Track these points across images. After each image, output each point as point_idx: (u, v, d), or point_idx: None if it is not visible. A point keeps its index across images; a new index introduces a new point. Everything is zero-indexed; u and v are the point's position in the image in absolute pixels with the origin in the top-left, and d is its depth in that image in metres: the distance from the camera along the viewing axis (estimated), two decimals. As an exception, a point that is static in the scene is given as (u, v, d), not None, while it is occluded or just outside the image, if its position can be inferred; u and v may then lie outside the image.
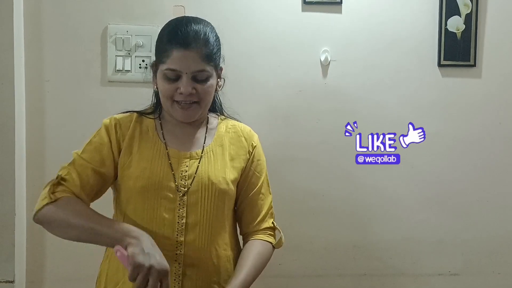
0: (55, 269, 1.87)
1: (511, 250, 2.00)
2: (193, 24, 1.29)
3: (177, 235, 1.28)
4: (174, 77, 1.28)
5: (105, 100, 1.83)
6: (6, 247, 1.77)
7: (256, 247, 1.36)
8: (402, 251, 1.97)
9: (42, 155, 1.84)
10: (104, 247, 1.35)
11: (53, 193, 1.23)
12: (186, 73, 1.27)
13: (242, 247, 1.41)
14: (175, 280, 1.28)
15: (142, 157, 1.31)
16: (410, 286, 1.98)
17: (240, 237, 1.45)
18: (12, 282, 1.78)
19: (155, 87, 1.36)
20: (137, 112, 1.39)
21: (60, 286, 1.88)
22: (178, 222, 1.28)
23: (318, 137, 1.93)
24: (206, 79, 1.30)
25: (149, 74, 1.40)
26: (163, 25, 1.36)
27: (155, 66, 1.34)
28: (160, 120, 1.38)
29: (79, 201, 1.25)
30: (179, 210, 1.29)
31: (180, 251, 1.28)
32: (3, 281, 1.77)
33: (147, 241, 1.15)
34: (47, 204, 1.22)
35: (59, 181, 1.26)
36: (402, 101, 1.94)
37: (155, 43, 1.36)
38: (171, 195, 1.29)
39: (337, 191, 1.94)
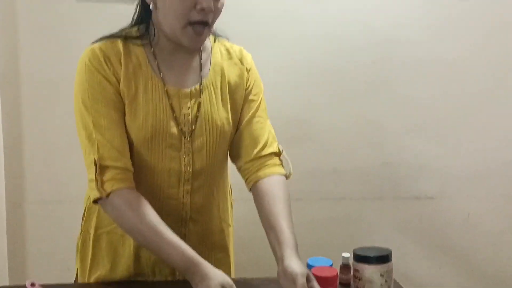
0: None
1: (487, 176, 2.03)
2: None
3: (184, 183, 1.18)
4: None
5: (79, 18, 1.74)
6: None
7: (280, 192, 1.17)
8: (382, 175, 2.00)
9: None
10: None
11: (102, 186, 1.08)
12: None
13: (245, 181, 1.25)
14: (181, 225, 1.20)
15: (140, 101, 1.12)
16: (388, 209, 2.02)
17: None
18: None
19: (151, 4, 1.11)
20: (119, 37, 1.14)
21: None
22: (184, 171, 1.17)
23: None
24: None
25: None
26: None
27: None
28: (151, 47, 1.16)
29: (134, 199, 1.09)
30: (184, 157, 1.16)
31: (187, 199, 1.19)
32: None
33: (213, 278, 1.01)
34: (100, 198, 1.09)
35: (100, 166, 1.08)
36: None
37: None
38: (176, 142, 1.15)
39: (321, 118, 1.95)
